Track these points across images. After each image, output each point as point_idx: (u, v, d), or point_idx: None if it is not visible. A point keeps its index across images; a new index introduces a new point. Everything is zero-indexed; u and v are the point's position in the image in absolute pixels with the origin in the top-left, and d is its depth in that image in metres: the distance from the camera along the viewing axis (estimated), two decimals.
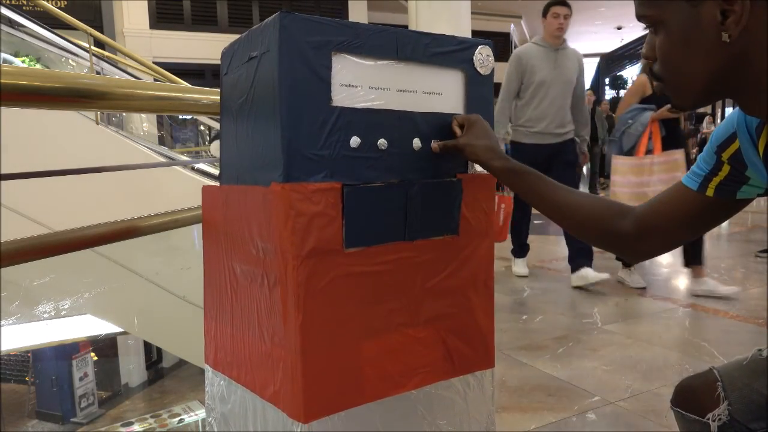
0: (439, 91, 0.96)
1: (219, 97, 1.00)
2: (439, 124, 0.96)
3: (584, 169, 7.42)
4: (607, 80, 16.36)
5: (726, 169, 0.87)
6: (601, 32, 18.23)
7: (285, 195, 0.80)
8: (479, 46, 0.99)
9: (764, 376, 0.93)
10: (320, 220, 0.82)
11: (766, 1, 0.65)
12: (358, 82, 0.87)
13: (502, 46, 15.48)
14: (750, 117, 0.81)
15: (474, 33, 5.69)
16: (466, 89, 0.99)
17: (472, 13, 5.65)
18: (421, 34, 0.93)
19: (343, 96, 0.85)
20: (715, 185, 0.87)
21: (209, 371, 1.08)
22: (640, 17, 0.76)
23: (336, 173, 0.84)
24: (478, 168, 1.00)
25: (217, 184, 1.02)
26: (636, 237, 0.93)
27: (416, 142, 0.93)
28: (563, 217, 0.98)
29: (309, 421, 0.82)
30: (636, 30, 16.63)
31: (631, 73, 15.84)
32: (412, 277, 0.93)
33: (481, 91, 1.01)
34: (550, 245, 5.17)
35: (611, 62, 16.08)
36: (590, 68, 19.29)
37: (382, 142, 0.89)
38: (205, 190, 1.06)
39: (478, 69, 1.00)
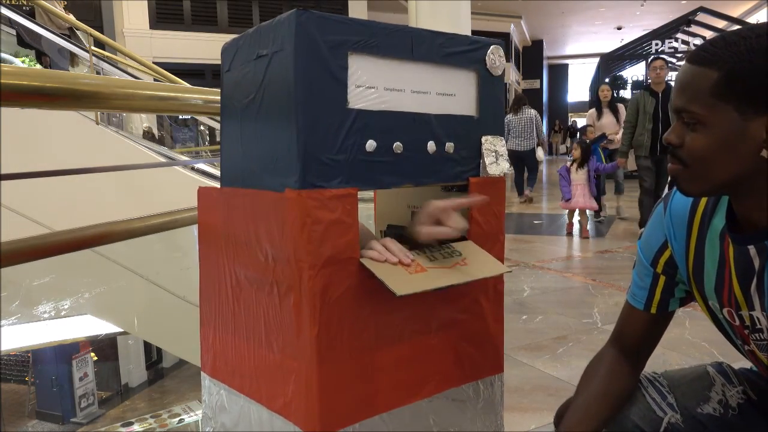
0: (452, 92, 0.93)
1: (219, 97, 0.96)
2: (452, 126, 0.92)
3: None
4: (606, 80, 16.36)
5: (662, 280, 0.95)
6: (601, 32, 18.27)
7: (301, 202, 0.76)
8: (491, 47, 0.96)
9: (634, 404, 1.00)
10: (337, 228, 0.79)
11: None
12: (374, 83, 0.83)
13: (501, 46, 15.44)
14: (676, 221, 0.91)
15: (474, 33, 5.64)
16: (479, 90, 0.96)
17: (472, 13, 5.63)
18: (435, 34, 0.89)
19: (359, 98, 0.81)
20: (657, 303, 0.96)
21: (206, 379, 1.02)
22: (681, 110, 0.77)
23: (352, 178, 0.81)
24: (490, 171, 0.98)
25: (214, 185, 0.98)
26: (636, 367, 1.01)
27: (431, 145, 0.90)
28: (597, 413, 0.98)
29: None
30: (635, 30, 16.65)
31: (631, 73, 15.81)
32: None
33: (493, 92, 0.98)
34: (550, 245, 5.17)
35: (611, 62, 16.03)
36: (590, 68, 19.32)
37: (397, 146, 0.85)
38: (202, 192, 1.00)
39: (490, 70, 0.97)
